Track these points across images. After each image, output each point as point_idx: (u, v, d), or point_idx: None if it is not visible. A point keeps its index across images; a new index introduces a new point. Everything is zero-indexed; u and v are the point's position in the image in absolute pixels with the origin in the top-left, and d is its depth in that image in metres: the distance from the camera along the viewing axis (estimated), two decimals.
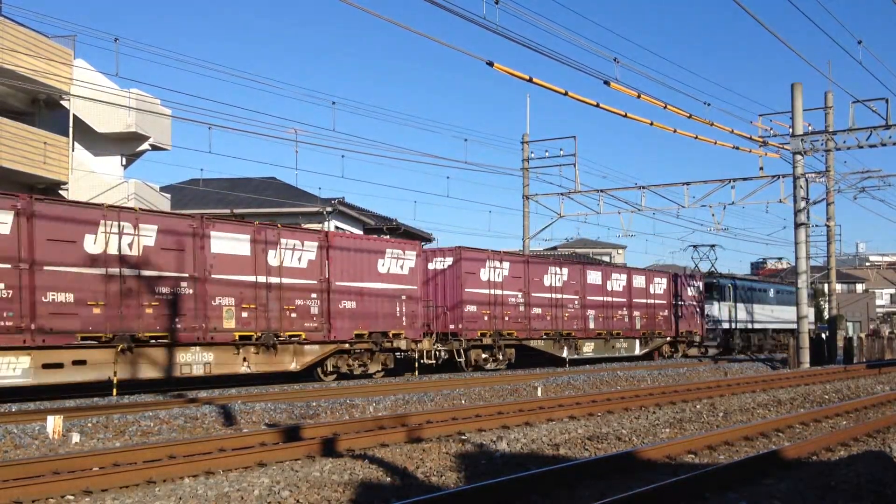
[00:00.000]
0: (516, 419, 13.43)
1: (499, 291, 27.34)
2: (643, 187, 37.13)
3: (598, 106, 22.04)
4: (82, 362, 17.06)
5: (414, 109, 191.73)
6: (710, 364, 31.99)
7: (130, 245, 17.95)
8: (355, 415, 15.12)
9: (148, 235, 18.26)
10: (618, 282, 33.71)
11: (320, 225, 35.60)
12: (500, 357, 27.70)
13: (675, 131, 27.58)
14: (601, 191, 37.44)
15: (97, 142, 31.39)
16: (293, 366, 21.21)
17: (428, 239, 42.85)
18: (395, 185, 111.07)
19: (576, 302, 30.87)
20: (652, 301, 35.78)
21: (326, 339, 21.99)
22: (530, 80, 19.41)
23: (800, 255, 31.77)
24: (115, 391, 17.65)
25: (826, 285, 41.86)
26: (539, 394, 19.24)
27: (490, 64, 17.72)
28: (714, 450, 10.59)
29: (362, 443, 10.88)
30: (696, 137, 27.77)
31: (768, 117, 33.10)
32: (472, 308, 26.34)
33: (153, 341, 18.14)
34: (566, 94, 20.97)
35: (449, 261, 26.20)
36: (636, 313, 34.61)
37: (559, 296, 29.94)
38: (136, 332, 17.74)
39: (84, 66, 29.75)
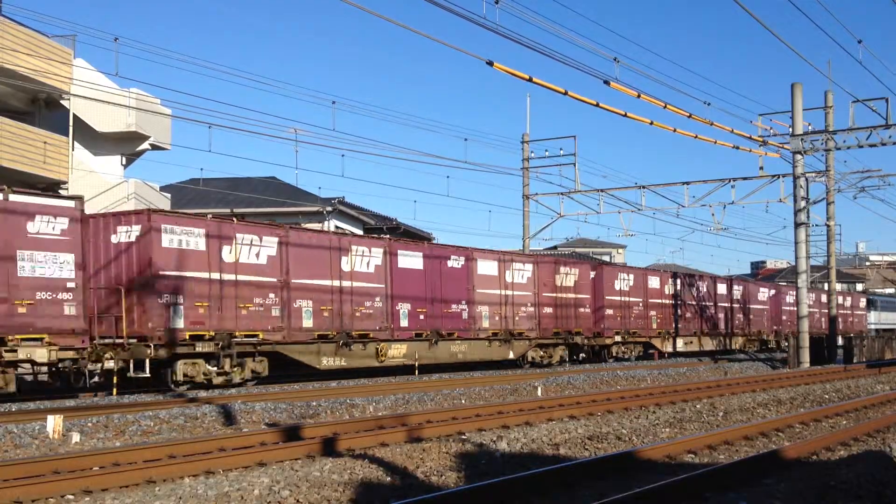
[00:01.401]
0: (516, 419, 13.43)
1: (760, 307, 45.99)
2: (643, 187, 37.14)
3: (598, 105, 22.03)
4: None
5: (414, 109, 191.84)
6: (710, 364, 32.02)
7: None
8: (355, 414, 15.12)
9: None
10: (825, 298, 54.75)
11: (321, 224, 35.60)
12: (757, 346, 44.82)
13: (675, 131, 27.57)
14: (601, 190, 37.43)
15: (97, 141, 31.39)
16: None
17: (428, 239, 42.81)
18: (395, 185, 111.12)
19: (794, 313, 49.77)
20: (847, 311, 56.85)
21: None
22: (530, 80, 19.40)
23: (800, 255, 31.78)
24: (115, 391, 17.66)
25: (827, 285, 42.01)
26: (539, 393, 19.24)
27: (490, 63, 17.72)
28: (714, 449, 10.59)
29: (362, 442, 10.88)
30: (696, 137, 27.77)
31: (768, 117, 33.12)
32: (752, 317, 44.75)
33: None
34: (566, 93, 20.96)
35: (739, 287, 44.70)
36: (840, 319, 53.49)
37: (790, 308, 46.80)
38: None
39: (84, 66, 29.74)
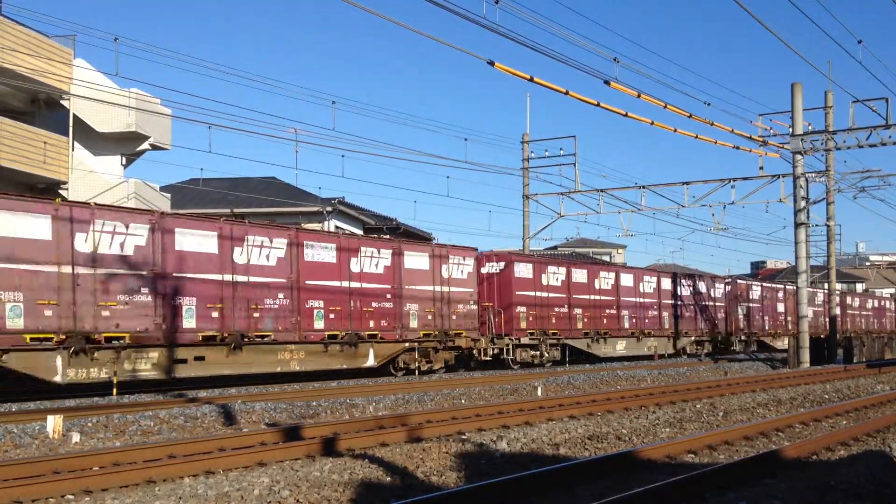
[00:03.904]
0: (516, 419, 13.43)
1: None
2: (643, 187, 37.14)
3: (598, 105, 22.04)
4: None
5: (414, 109, 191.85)
6: (710, 364, 32.00)
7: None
8: (355, 414, 15.12)
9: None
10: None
11: (320, 225, 35.60)
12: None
13: (675, 131, 27.59)
14: (601, 190, 37.44)
15: (97, 141, 31.40)
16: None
17: (428, 239, 42.82)
18: (395, 185, 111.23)
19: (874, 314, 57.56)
20: None
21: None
22: (531, 80, 19.40)
23: (800, 255, 31.77)
24: (115, 391, 17.65)
25: (827, 285, 41.99)
26: (539, 393, 19.24)
27: (491, 63, 17.72)
28: (714, 449, 10.59)
29: (362, 442, 10.88)
30: (697, 137, 27.79)
31: (768, 117, 33.11)
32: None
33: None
34: (567, 93, 20.96)
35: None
36: None
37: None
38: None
39: (84, 66, 29.75)
